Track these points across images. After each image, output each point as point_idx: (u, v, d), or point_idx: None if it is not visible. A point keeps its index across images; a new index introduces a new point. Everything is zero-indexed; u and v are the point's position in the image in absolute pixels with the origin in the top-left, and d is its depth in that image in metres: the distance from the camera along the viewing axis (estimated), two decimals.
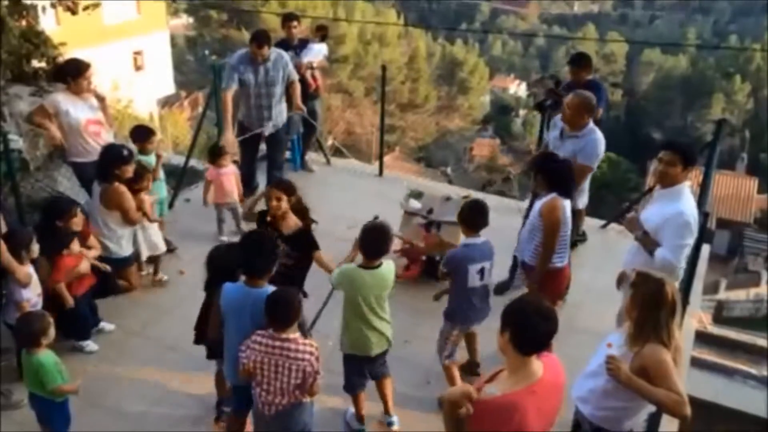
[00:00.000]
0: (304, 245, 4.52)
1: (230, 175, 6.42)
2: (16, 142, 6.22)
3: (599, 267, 6.54)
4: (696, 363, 9.30)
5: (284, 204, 4.49)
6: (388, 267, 4.12)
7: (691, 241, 4.10)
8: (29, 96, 6.70)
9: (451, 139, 36.79)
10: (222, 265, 4.01)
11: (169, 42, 29.28)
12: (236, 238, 6.21)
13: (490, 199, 6.33)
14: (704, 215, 4.78)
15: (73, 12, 7.75)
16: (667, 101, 44.79)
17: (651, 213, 4.25)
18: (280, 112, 6.86)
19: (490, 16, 68.93)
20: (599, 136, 5.42)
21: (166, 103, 29.03)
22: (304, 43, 7.73)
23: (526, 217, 5.52)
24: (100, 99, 5.87)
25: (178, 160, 8.26)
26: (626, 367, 3.10)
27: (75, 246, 4.85)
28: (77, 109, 5.61)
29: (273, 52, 6.55)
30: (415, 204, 6.35)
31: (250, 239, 3.80)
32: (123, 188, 5.22)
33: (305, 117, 7.74)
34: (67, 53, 7.64)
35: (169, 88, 29.05)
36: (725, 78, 43.92)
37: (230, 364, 3.86)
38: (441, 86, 35.45)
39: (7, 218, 4.83)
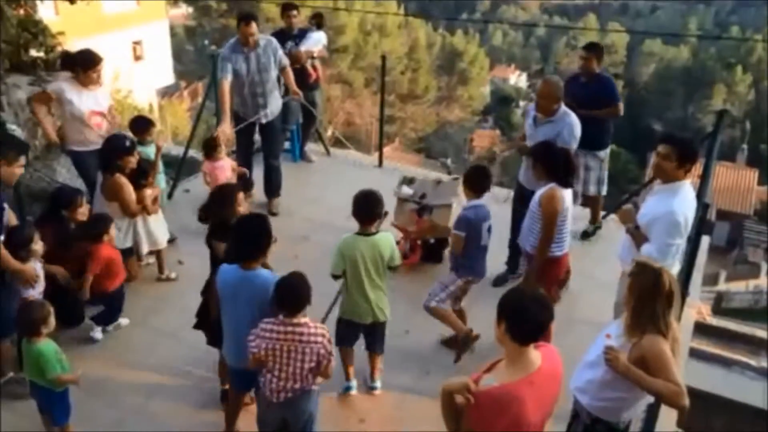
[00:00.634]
0: None
1: (225, 167, 6.39)
2: (15, 131, 6.21)
3: (598, 257, 6.55)
4: (695, 354, 9.34)
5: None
6: (385, 236, 4.31)
7: (680, 240, 4.05)
8: (28, 85, 6.68)
9: (451, 130, 36.71)
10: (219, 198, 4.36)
11: (168, 32, 29.15)
12: None
13: None
14: (704, 207, 4.77)
15: (72, 1, 7.72)
16: (668, 92, 44.66)
17: (646, 208, 4.23)
18: (274, 100, 6.81)
19: (490, 6, 68.64)
20: (574, 119, 5.42)
21: (166, 93, 28.95)
22: (303, 33, 7.70)
23: (519, 206, 5.56)
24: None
25: (178, 150, 8.26)
26: (624, 357, 3.10)
27: (113, 232, 4.95)
28: (81, 99, 5.60)
29: (262, 39, 6.52)
30: (407, 190, 6.37)
31: (243, 223, 3.82)
32: (123, 180, 5.21)
33: (305, 105, 7.72)
34: (66, 43, 7.62)
35: (168, 78, 28.95)
36: (726, 69, 43.78)
37: (228, 345, 3.94)
38: (441, 77, 35.32)
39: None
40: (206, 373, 4.79)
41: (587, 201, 6.99)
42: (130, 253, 5.53)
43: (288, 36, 7.51)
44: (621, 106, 6.43)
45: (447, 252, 4.92)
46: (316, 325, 3.52)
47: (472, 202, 4.75)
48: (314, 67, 7.74)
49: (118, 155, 5.20)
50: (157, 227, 5.70)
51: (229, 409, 4.22)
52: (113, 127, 5.85)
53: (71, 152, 5.87)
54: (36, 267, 4.45)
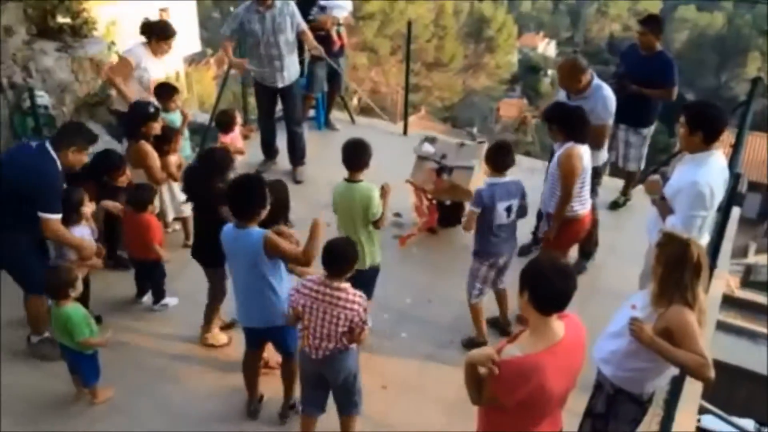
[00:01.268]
0: None
1: (237, 137, 6.43)
2: (43, 97, 6.27)
3: (623, 228, 6.49)
4: (721, 326, 9.23)
5: None
6: (367, 186, 4.40)
7: (704, 212, 3.93)
8: (55, 51, 6.71)
9: (477, 98, 36.27)
10: (210, 163, 4.50)
11: None
12: None
13: None
14: (735, 177, 4.66)
15: None
16: (701, 60, 43.54)
17: (673, 178, 4.14)
18: (292, 64, 6.70)
19: None
20: (607, 93, 5.22)
21: (192, 60, 28.92)
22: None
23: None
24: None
25: (204, 118, 8.27)
26: (649, 328, 3.06)
27: (156, 202, 5.08)
28: (152, 67, 5.94)
29: (278, 1, 6.39)
30: (428, 148, 6.27)
31: (238, 183, 3.86)
32: (148, 147, 5.25)
33: (329, 73, 7.66)
34: (92, 9, 7.62)
35: (195, 45, 28.87)
36: (762, 36, 42.47)
37: (237, 306, 4.06)
38: (468, 44, 34.77)
39: None
40: (232, 336, 4.87)
41: (623, 173, 6.85)
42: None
43: (313, 2, 7.42)
44: (675, 90, 6.16)
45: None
46: (355, 292, 3.53)
47: (491, 179, 4.57)
48: (339, 35, 7.64)
49: (143, 122, 5.23)
50: (182, 194, 5.73)
51: (245, 371, 4.28)
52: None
53: (120, 112, 5.94)
54: (84, 233, 4.55)
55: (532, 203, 4.97)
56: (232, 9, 6.80)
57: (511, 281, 4.82)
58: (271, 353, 4.42)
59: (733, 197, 4.46)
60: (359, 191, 4.38)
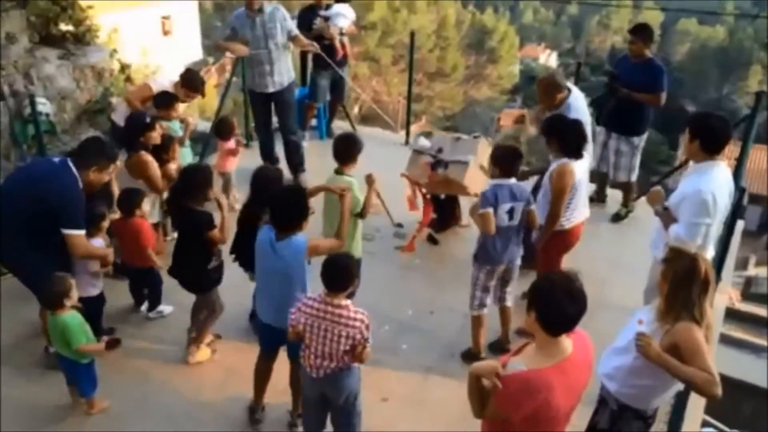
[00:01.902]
0: None
1: (232, 145, 6.49)
2: (44, 105, 6.24)
3: (626, 241, 6.45)
4: (722, 339, 9.18)
5: None
6: (349, 179, 4.50)
7: (708, 220, 3.90)
8: (56, 59, 6.70)
9: (478, 109, 36.33)
10: (263, 184, 4.47)
11: (197, 7, 29.15)
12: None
13: None
14: (740, 190, 4.64)
15: None
16: (703, 72, 43.69)
17: (678, 189, 4.13)
18: (285, 71, 6.72)
19: None
20: (573, 101, 5.21)
21: (193, 68, 29.00)
22: (328, 8, 7.59)
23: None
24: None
25: (205, 126, 8.25)
26: (657, 344, 3.02)
27: (145, 207, 4.96)
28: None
29: (269, 6, 6.48)
30: (423, 142, 6.25)
31: (279, 195, 3.84)
32: (148, 157, 5.22)
33: (334, 79, 7.65)
34: (95, 17, 7.62)
35: (196, 53, 28.99)
36: (764, 49, 42.60)
37: (259, 302, 4.04)
38: (470, 55, 34.87)
39: None
40: (231, 345, 4.82)
41: (618, 185, 6.87)
42: (156, 229, 5.54)
43: (316, 12, 7.42)
44: (663, 96, 6.24)
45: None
46: (356, 309, 3.47)
47: (497, 181, 4.46)
48: (343, 44, 7.65)
49: (141, 132, 5.21)
50: None
51: (256, 376, 4.24)
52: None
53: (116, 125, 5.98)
54: (99, 243, 4.54)
55: None
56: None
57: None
58: None
59: (738, 211, 4.44)
60: (340, 183, 4.44)
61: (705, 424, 5.30)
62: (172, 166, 5.45)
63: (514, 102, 42.96)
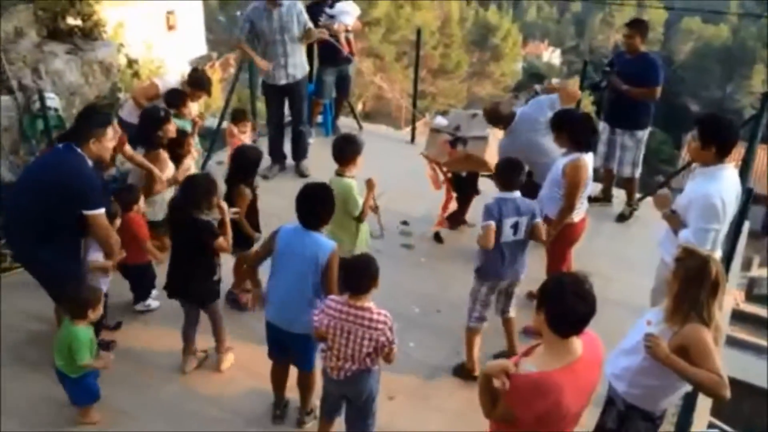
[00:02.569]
0: None
1: (248, 138, 6.50)
2: (53, 99, 6.25)
3: (632, 240, 6.47)
4: (726, 340, 9.19)
5: None
6: (348, 181, 4.54)
7: (717, 226, 3.90)
8: (65, 54, 6.70)
9: (482, 106, 36.29)
10: (244, 163, 4.69)
11: (201, 2, 29.10)
12: None
13: None
14: (748, 192, 4.64)
15: None
16: (706, 71, 43.54)
17: (685, 192, 4.13)
18: (299, 64, 6.88)
19: None
20: (508, 141, 5.51)
21: (198, 63, 28.98)
22: (333, 5, 7.59)
23: None
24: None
25: (211, 122, 8.26)
26: (665, 345, 3.03)
27: (142, 203, 4.96)
28: None
29: (287, 0, 6.60)
30: (440, 121, 6.24)
31: (305, 192, 3.85)
32: (165, 155, 5.28)
33: (337, 79, 7.69)
34: (102, 10, 7.62)
35: (200, 48, 28.95)
36: (767, 48, 42.49)
37: (272, 304, 3.97)
38: (473, 52, 34.83)
39: None
40: (238, 343, 4.84)
41: (621, 181, 6.89)
42: (162, 226, 5.55)
43: (322, 9, 7.43)
44: (658, 90, 6.29)
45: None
46: (379, 311, 3.48)
47: (501, 194, 4.40)
48: (348, 41, 7.65)
49: (158, 126, 5.23)
50: None
51: (273, 380, 4.27)
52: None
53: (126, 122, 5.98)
54: None
55: None
56: (238, 13, 6.86)
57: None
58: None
59: (745, 212, 4.44)
60: (338, 185, 4.46)
61: (710, 425, 5.32)
62: (189, 161, 5.47)
63: (516, 99, 42.84)
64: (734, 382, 9.19)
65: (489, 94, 34.89)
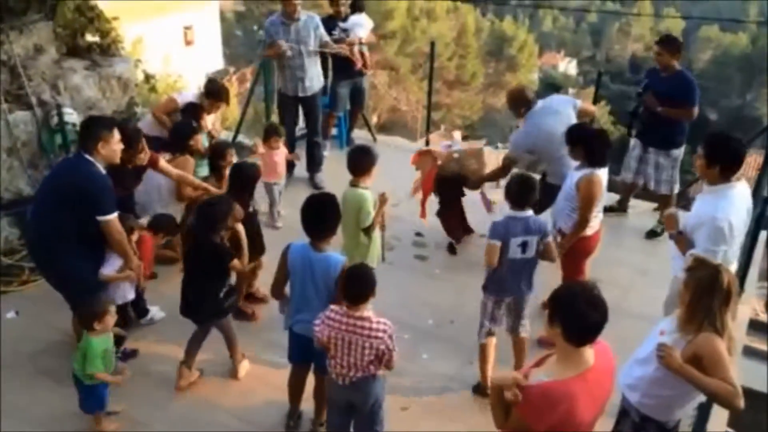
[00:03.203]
0: None
1: (281, 154, 6.51)
2: (71, 114, 6.35)
3: (649, 250, 6.43)
4: (745, 351, 9.03)
5: None
6: (361, 192, 4.53)
7: (724, 247, 3.85)
8: (83, 70, 6.81)
9: (497, 117, 36.24)
10: (239, 180, 4.79)
11: (218, 17, 29.48)
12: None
13: None
14: (764, 201, 4.61)
15: None
16: (725, 80, 43.20)
17: (692, 212, 4.09)
18: (316, 76, 7.04)
19: None
20: (529, 125, 5.52)
21: (215, 77, 29.29)
22: (346, 19, 7.66)
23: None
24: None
25: (226, 135, 8.35)
26: (678, 355, 3.01)
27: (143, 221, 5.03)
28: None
29: (304, 14, 6.80)
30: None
31: (313, 202, 3.87)
32: (191, 160, 5.43)
33: (352, 92, 7.75)
34: (119, 28, 7.74)
35: (217, 63, 29.29)
36: None
37: (293, 312, 4.01)
38: (489, 63, 34.89)
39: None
40: (249, 350, 4.87)
41: (658, 199, 6.79)
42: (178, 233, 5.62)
43: (336, 23, 7.49)
44: (695, 110, 6.14)
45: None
46: (378, 320, 3.50)
47: (512, 213, 4.31)
48: (362, 54, 7.71)
49: (190, 136, 5.46)
50: None
51: (290, 386, 4.28)
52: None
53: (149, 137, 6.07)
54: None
55: None
56: (255, 28, 6.97)
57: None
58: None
59: (760, 222, 4.40)
60: (353, 196, 4.51)
61: None
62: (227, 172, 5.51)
63: None
64: (755, 394, 9.02)
65: (505, 105, 34.81)
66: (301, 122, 7.55)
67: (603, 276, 5.50)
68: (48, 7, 6.59)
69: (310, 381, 4.23)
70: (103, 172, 4.23)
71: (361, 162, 4.60)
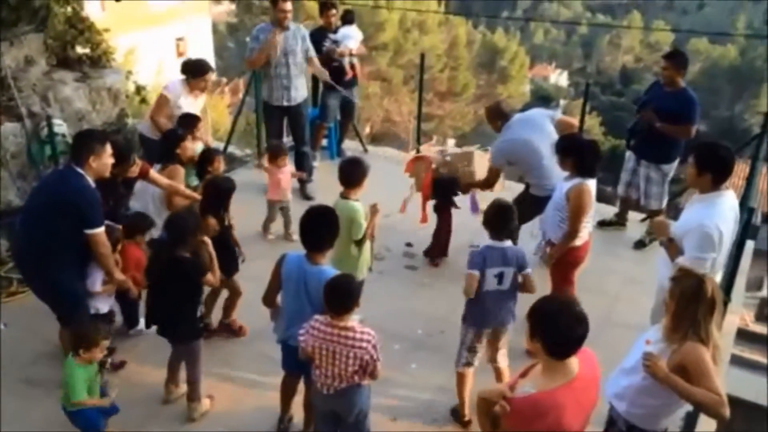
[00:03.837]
0: None
1: (287, 173, 6.46)
2: (61, 126, 6.36)
3: (638, 260, 6.46)
4: (737, 361, 9.09)
5: None
6: (353, 205, 4.53)
7: (713, 254, 3.89)
8: (73, 81, 6.83)
9: (489, 128, 36.31)
10: (213, 194, 4.70)
11: (210, 29, 29.57)
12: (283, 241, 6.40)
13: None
14: (749, 211, 4.65)
15: None
16: (715, 91, 43.54)
17: (682, 218, 4.15)
18: (301, 87, 7.08)
19: (532, 3, 67.78)
20: (507, 136, 5.62)
21: (188, 58, 29.28)
22: (337, 31, 7.70)
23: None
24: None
25: (217, 146, 8.33)
26: (664, 364, 3.03)
27: (143, 237, 4.88)
28: (187, 106, 6.18)
29: (292, 24, 6.85)
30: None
31: (311, 214, 3.86)
32: (180, 169, 5.38)
33: (342, 103, 7.77)
34: (111, 39, 7.76)
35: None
36: None
37: (281, 322, 4.02)
38: (480, 74, 35.03)
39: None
40: (239, 364, 4.86)
41: (648, 213, 6.83)
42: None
43: (327, 34, 7.54)
44: (694, 129, 6.14)
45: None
46: (362, 330, 3.50)
47: (490, 243, 4.19)
48: (352, 65, 7.75)
49: (176, 144, 5.40)
50: None
51: (282, 393, 4.28)
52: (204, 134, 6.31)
53: (148, 140, 6.25)
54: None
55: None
56: (247, 39, 6.99)
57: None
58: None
59: (746, 231, 4.44)
60: (344, 207, 4.48)
61: None
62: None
63: None
64: (745, 404, 9.05)
65: None
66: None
67: (592, 285, 5.55)
68: (39, 19, 6.60)
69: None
70: (92, 185, 4.22)
71: (352, 174, 4.61)
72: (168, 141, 5.52)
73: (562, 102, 46.26)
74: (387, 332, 4.78)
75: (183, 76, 6.28)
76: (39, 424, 4.32)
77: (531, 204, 5.45)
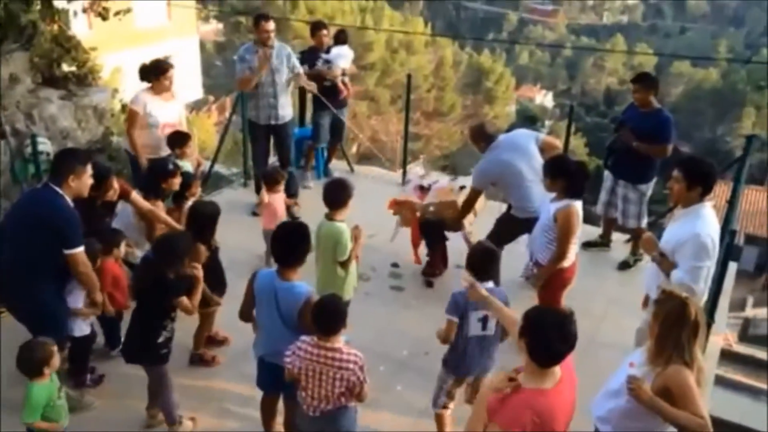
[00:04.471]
0: None
1: (282, 201, 6.30)
2: (45, 144, 6.33)
3: (623, 281, 6.48)
4: (721, 382, 9.12)
5: None
6: (338, 226, 4.52)
7: (709, 263, 3.97)
8: (59, 99, 6.81)
9: (475, 148, 36.61)
10: (199, 220, 4.64)
11: (198, 47, 29.59)
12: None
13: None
14: (731, 233, 4.70)
15: (104, 17, 7.87)
16: (697, 113, 44.20)
17: (669, 233, 4.18)
18: (287, 105, 7.08)
19: (517, 25, 68.65)
20: (489, 158, 5.67)
21: (194, 107, 29.33)
22: (329, 51, 7.74)
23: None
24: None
25: (204, 164, 8.31)
26: (648, 387, 3.04)
27: (123, 248, 4.83)
28: (159, 111, 6.12)
29: (276, 43, 6.84)
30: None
31: (282, 230, 3.88)
32: (160, 204, 5.31)
33: (332, 124, 7.78)
34: (98, 57, 7.77)
35: (197, 92, 29.34)
36: (757, 91, 43.19)
37: (258, 338, 4.04)
38: (467, 95, 35.32)
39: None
40: (223, 383, 4.81)
41: (627, 232, 6.88)
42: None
43: (318, 54, 7.56)
44: (669, 148, 6.20)
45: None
46: (349, 351, 3.48)
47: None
48: (345, 84, 7.77)
49: (163, 179, 5.29)
50: None
51: (263, 413, 4.25)
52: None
53: (131, 155, 6.19)
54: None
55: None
56: (235, 58, 7.00)
57: None
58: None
59: (729, 253, 4.48)
60: (329, 229, 4.51)
61: None
62: (189, 204, 5.42)
63: None
64: (729, 425, 9.06)
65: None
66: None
67: (577, 306, 5.52)
68: (25, 37, 6.61)
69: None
70: (71, 204, 4.15)
71: (337, 196, 4.60)
72: (154, 174, 5.38)
73: (547, 123, 46.69)
74: (372, 353, 4.71)
75: (145, 84, 6.18)
76: None
77: (513, 225, 5.49)
